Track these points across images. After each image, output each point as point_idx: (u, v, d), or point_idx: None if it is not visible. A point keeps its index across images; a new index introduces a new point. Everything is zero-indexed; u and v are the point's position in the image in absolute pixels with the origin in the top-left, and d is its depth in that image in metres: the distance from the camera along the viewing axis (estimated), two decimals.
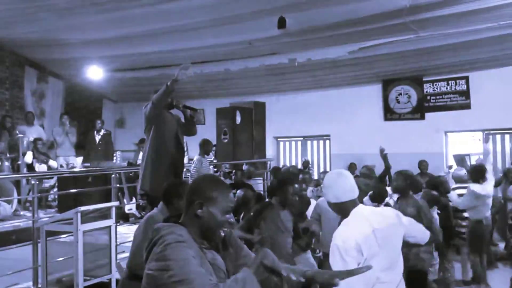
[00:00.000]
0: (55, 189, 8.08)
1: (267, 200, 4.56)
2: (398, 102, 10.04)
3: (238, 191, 4.90)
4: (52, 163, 8.53)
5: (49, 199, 8.45)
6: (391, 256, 2.47)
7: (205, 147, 7.20)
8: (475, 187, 5.48)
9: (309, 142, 11.54)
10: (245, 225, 3.93)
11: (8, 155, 7.97)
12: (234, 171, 8.62)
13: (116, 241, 4.65)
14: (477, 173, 5.70)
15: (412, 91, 9.89)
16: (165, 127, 4.39)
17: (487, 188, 5.56)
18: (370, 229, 2.44)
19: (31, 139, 8.54)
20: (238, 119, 9.73)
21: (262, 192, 7.61)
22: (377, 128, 10.09)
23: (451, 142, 10.03)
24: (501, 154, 9.59)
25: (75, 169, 8.41)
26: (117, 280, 4.29)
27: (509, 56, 8.52)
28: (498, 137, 9.62)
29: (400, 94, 10.01)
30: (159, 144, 4.36)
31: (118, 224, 5.47)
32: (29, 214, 6.77)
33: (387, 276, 2.41)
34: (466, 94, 9.38)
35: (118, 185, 6.23)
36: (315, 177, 9.76)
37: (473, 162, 9.08)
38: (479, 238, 5.61)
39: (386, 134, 9.86)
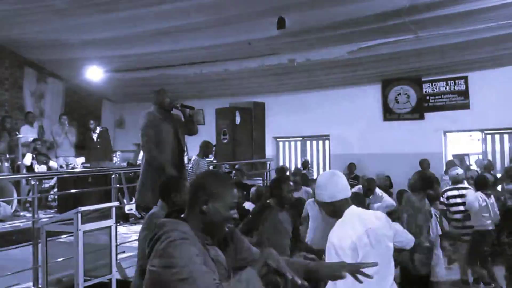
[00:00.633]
0: (55, 190, 8.09)
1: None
2: (397, 102, 10.05)
3: (252, 189, 5.04)
4: (52, 164, 8.54)
5: (49, 199, 8.45)
6: (383, 257, 2.49)
7: (205, 148, 7.19)
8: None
9: (308, 142, 11.54)
10: (244, 228, 3.92)
11: (7, 156, 7.97)
12: (234, 171, 8.64)
13: (116, 241, 4.66)
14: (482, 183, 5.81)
15: (411, 91, 9.90)
16: (161, 137, 4.51)
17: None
18: (363, 228, 2.46)
19: (31, 139, 8.55)
20: (238, 119, 9.76)
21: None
22: (376, 128, 10.10)
23: (450, 142, 10.05)
24: (500, 154, 9.61)
25: (75, 170, 8.42)
26: (117, 280, 4.30)
27: (508, 56, 8.53)
28: (497, 137, 9.63)
29: (399, 94, 10.02)
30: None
31: (118, 224, 5.48)
32: (29, 214, 6.78)
33: (378, 276, 2.42)
34: (465, 94, 9.39)
35: (118, 185, 6.23)
36: (315, 177, 9.78)
37: (472, 162, 9.16)
38: (479, 249, 5.70)
39: (385, 134, 9.89)
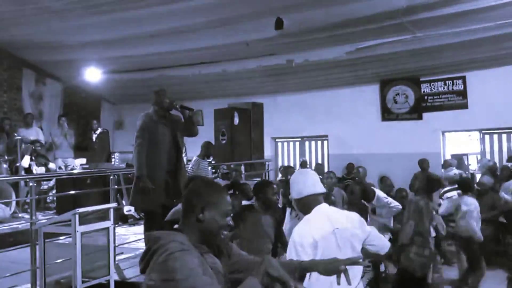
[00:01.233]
0: (54, 191, 8.08)
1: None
2: (396, 102, 10.06)
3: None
4: (52, 166, 8.52)
5: (48, 200, 8.44)
6: None
7: (206, 149, 7.19)
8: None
9: (307, 143, 11.55)
10: None
11: (6, 157, 7.96)
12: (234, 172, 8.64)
13: (114, 243, 4.66)
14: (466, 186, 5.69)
15: (410, 91, 9.91)
16: (157, 138, 4.53)
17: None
18: (331, 228, 2.43)
19: (32, 138, 8.54)
20: (236, 120, 9.76)
21: None
22: (375, 128, 10.11)
23: (448, 142, 10.05)
24: (498, 154, 9.61)
25: (73, 171, 8.41)
26: (115, 282, 4.30)
27: (506, 56, 8.54)
28: (495, 136, 9.64)
29: (398, 94, 10.04)
30: (152, 161, 4.58)
31: (116, 225, 5.49)
32: (27, 216, 6.76)
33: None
34: (463, 94, 9.40)
35: (116, 186, 6.22)
36: None
37: (471, 162, 9.16)
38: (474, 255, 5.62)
39: (384, 134, 9.90)
